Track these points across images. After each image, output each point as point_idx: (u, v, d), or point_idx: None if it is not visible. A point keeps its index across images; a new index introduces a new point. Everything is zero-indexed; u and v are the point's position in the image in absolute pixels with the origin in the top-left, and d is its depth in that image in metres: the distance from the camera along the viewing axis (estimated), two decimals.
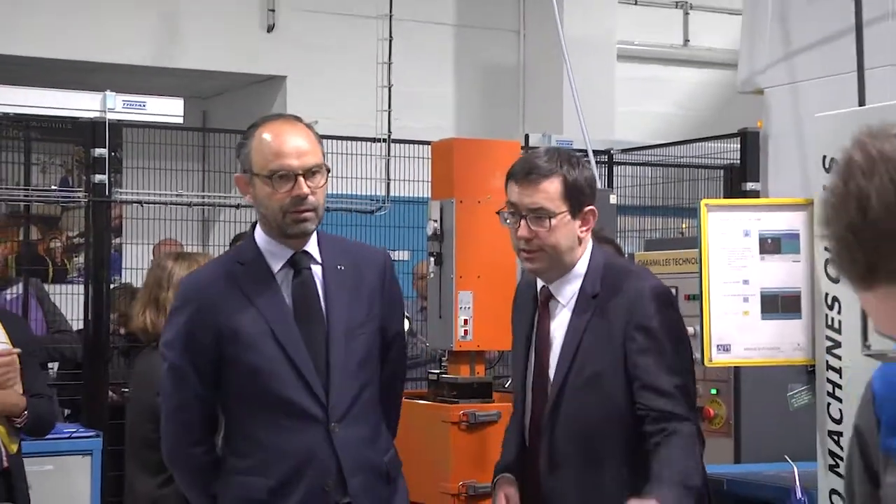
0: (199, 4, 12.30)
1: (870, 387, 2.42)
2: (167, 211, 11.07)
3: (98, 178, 9.87)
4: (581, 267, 4.45)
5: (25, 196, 11.08)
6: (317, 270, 4.12)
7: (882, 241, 1.93)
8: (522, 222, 4.32)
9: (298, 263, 4.09)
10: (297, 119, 4.18)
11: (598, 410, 4.34)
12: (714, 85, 12.64)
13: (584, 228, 4.43)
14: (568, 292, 4.44)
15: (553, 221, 4.31)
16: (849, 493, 2.53)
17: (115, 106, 10.21)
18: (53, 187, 12.38)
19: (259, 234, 4.14)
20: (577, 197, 4.40)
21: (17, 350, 6.53)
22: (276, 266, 4.07)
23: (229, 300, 4.00)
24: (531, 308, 4.58)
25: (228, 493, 4.07)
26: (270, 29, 12.70)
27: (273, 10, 12.64)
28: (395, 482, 4.26)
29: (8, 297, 8.05)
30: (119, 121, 10.30)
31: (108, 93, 10.18)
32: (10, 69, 11.16)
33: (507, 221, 4.41)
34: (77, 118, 10.54)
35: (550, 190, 4.33)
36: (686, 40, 13.82)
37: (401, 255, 10.98)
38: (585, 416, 4.33)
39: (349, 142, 11.27)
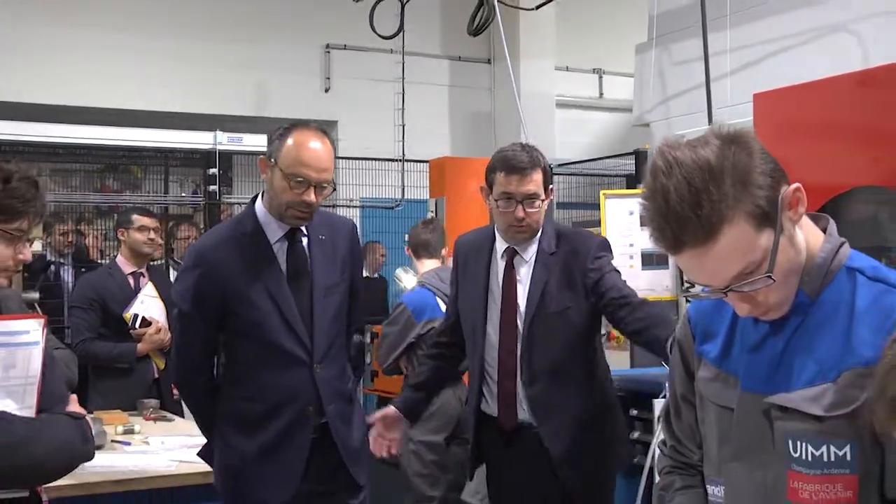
0: (280, 76, 12.22)
1: (687, 312, 2.45)
2: None
3: (211, 188, 10.01)
4: (539, 231, 4.30)
5: (164, 201, 11.20)
6: (304, 241, 3.94)
7: (681, 222, 1.98)
8: (519, 207, 4.14)
9: (293, 237, 3.90)
10: (325, 134, 3.91)
11: (565, 334, 4.21)
12: (619, 122, 12.67)
13: (548, 203, 4.31)
14: (530, 251, 4.28)
15: (539, 203, 4.19)
16: (671, 385, 2.51)
17: (222, 141, 10.19)
18: (183, 195, 12.40)
19: (260, 209, 3.90)
20: (549, 181, 4.29)
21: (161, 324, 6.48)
22: (273, 238, 3.86)
23: (233, 264, 3.81)
24: (484, 263, 4.40)
25: (227, 414, 3.90)
26: (327, 90, 12.57)
27: (329, 78, 12.58)
28: (353, 403, 4.13)
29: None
30: (224, 150, 10.31)
31: (217, 132, 10.14)
32: (154, 117, 11.00)
33: (500, 207, 4.21)
34: (198, 150, 10.54)
35: (538, 179, 4.17)
36: (601, 94, 13.84)
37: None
38: (555, 340, 4.20)
39: (378, 161, 11.46)
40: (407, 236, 6.87)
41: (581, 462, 3.78)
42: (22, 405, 2.78)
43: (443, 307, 5.85)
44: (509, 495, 4.46)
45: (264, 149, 9.75)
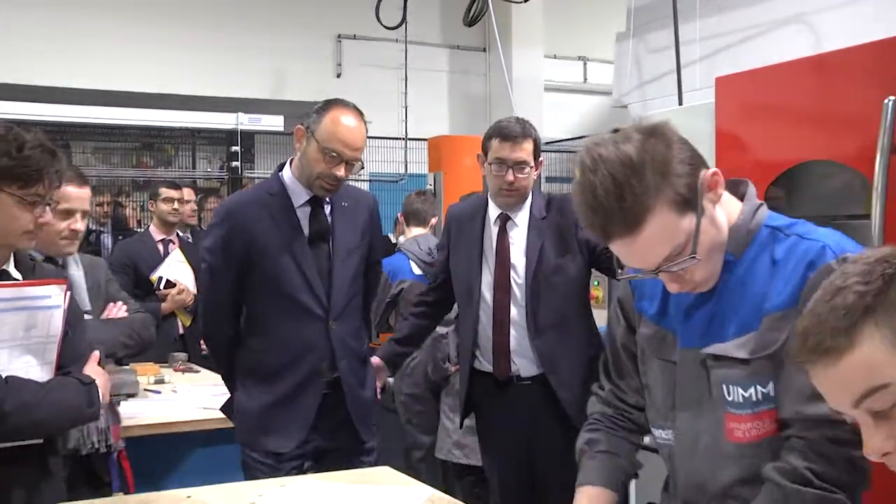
0: (296, 63, 12.21)
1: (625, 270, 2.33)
2: None
3: (234, 164, 9.99)
4: (530, 198, 4.28)
5: (193, 176, 11.21)
6: (326, 207, 3.82)
7: (608, 215, 1.99)
8: (509, 171, 4.13)
9: (314, 202, 3.77)
10: (361, 114, 3.78)
11: (564, 289, 4.20)
12: (600, 104, 12.60)
13: (537, 173, 4.27)
14: (522, 216, 4.26)
15: (528, 171, 4.16)
16: (611, 336, 2.51)
17: (244, 121, 10.19)
18: (209, 170, 12.38)
19: (287, 174, 3.79)
20: (538, 152, 4.24)
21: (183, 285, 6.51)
22: (297, 202, 3.75)
23: (260, 222, 3.71)
24: (478, 228, 4.37)
25: (246, 364, 3.83)
26: (339, 76, 12.56)
27: (340, 65, 12.57)
28: (366, 364, 4.04)
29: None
30: (245, 130, 10.30)
31: (239, 113, 10.14)
32: (183, 100, 10.97)
33: (493, 171, 4.20)
34: (222, 129, 10.53)
35: (528, 148, 4.15)
36: (585, 79, 13.81)
37: None
38: (556, 295, 4.18)
39: (383, 139, 11.38)
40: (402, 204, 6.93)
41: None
42: (42, 361, 2.80)
43: (416, 270, 6.03)
44: (500, 443, 4.45)
45: (282, 128, 9.74)
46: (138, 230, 9.42)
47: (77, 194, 3.71)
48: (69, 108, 9.97)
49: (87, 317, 3.65)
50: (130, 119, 10.59)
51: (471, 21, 8.40)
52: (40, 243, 3.49)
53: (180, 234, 7.24)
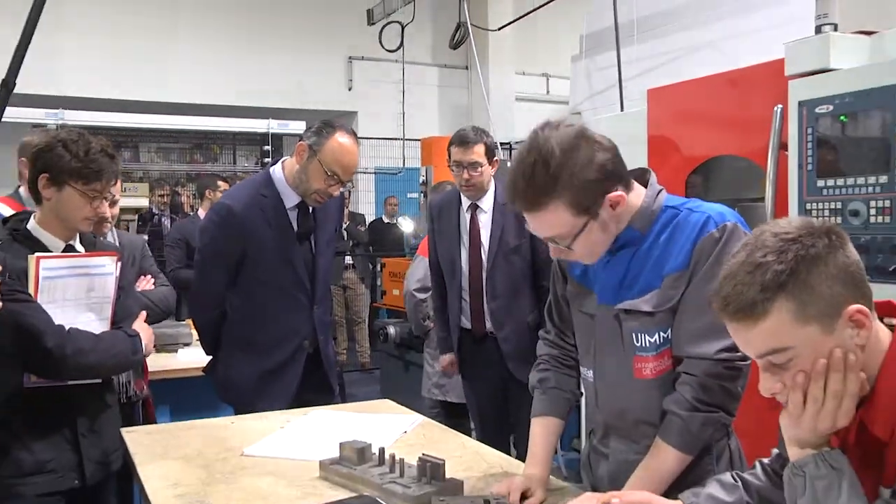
0: (316, 79, 12.28)
1: None
2: None
3: (265, 160, 9.92)
4: (492, 189, 4.26)
5: (234, 170, 11.18)
6: (309, 209, 3.59)
7: (517, 191, 1.99)
8: (465, 170, 4.13)
9: (301, 206, 3.54)
10: (357, 139, 3.55)
11: (518, 264, 4.19)
12: (560, 112, 12.49)
13: (493, 170, 4.23)
14: (487, 204, 4.25)
15: (481, 169, 4.15)
16: (553, 287, 2.45)
17: (274, 126, 10.16)
18: (246, 165, 12.37)
19: (279, 177, 3.53)
20: (491, 153, 4.21)
21: None
22: (288, 204, 3.51)
23: (253, 220, 3.45)
24: (455, 215, 4.37)
25: (238, 342, 3.61)
26: (350, 89, 12.58)
27: (351, 80, 12.61)
28: (327, 329, 3.83)
29: None
30: (275, 133, 10.28)
31: (270, 120, 10.10)
32: (225, 109, 10.97)
33: (454, 171, 4.21)
34: (256, 133, 10.52)
35: (480, 151, 4.14)
36: (548, 91, 13.78)
37: (411, 195, 11.04)
38: (512, 268, 4.19)
39: (385, 140, 11.44)
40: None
41: (527, 358, 3.75)
42: (99, 317, 2.85)
43: None
44: (477, 385, 4.49)
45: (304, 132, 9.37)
46: (190, 213, 9.44)
47: None
48: (138, 117, 9.98)
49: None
50: (184, 125, 10.58)
51: (455, 45, 8.39)
52: None
53: None
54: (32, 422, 2.75)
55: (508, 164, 4.92)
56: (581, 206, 1.98)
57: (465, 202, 4.34)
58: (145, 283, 4.10)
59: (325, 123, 3.48)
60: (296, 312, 3.58)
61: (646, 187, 2.16)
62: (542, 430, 2.36)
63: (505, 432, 4.43)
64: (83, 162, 2.73)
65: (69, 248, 2.86)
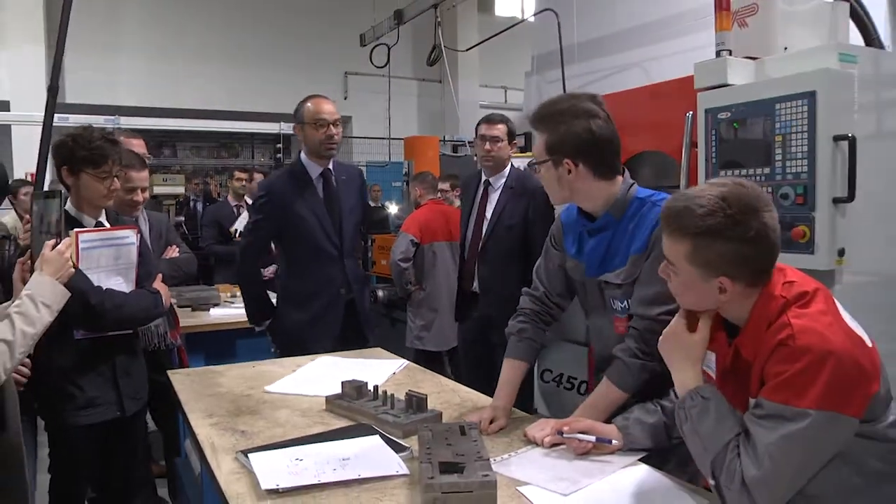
0: (318, 89, 11.97)
1: (559, 215, 2.41)
2: None
3: (278, 156, 9.86)
4: (506, 171, 4.17)
5: (252, 164, 11.07)
6: (333, 178, 3.59)
7: (534, 120, 2.15)
8: (487, 143, 4.08)
9: (326, 175, 3.56)
10: (327, 97, 3.58)
11: (512, 237, 4.07)
12: (515, 117, 12.50)
13: (511, 151, 4.18)
14: (498, 184, 4.17)
15: (501, 144, 4.09)
16: (546, 255, 2.44)
17: (285, 128, 10.09)
18: (262, 160, 12.28)
19: (304, 157, 3.54)
20: (511, 135, 4.16)
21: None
22: (313, 175, 3.53)
23: (289, 193, 3.49)
24: (473, 192, 4.30)
25: (287, 296, 3.63)
26: (346, 98, 12.50)
27: (347, 90, 12.53)
28: (367, 283, 3.82)
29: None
30: (286, 134, 10.20)
31: (281, 123, 10.03)
32: (246, 115, 10.86)
33: (479, 142, 4.14)
34: (270, 133, 10.43)
35: (502, 129, 4.10)
36: (506, 100, 13.80)
37: (395, 184, 10.99)
38: (504, 241, 4.08)
39: (375, 139, 11.35)
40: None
41: (503, 322, 3.60)
42: (126, 280, 2.86)
43: None
44: (465, 337, 4.44)
45: None
46: (219, 199, 9.40)
47: (138, 176, 3.59)
48: (177, 121, 9.94)
49: None
50: (212, 127, 10.56)
51: (431, 62, 8.34)
52: (116, 208, 3.50)
53: (248, 200, 7.23)
54: (82, 367, 2.79)
55: (474, 157, 4.86)
56: (550, 149, 2.11)
57: (481, 178, 4.25)
58: (172, 252, 4.10)
59: (300, 101, 3.55)
60: (329, 265, 3.53)
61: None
62: (511, 371, 2.36)
63: (483, 373, 4.36)
64: (89, 150, 2.74)
65: (99, 224, 2.88)
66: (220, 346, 4.20)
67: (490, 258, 4.12)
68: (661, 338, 1.75)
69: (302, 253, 3.54)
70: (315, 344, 3.40)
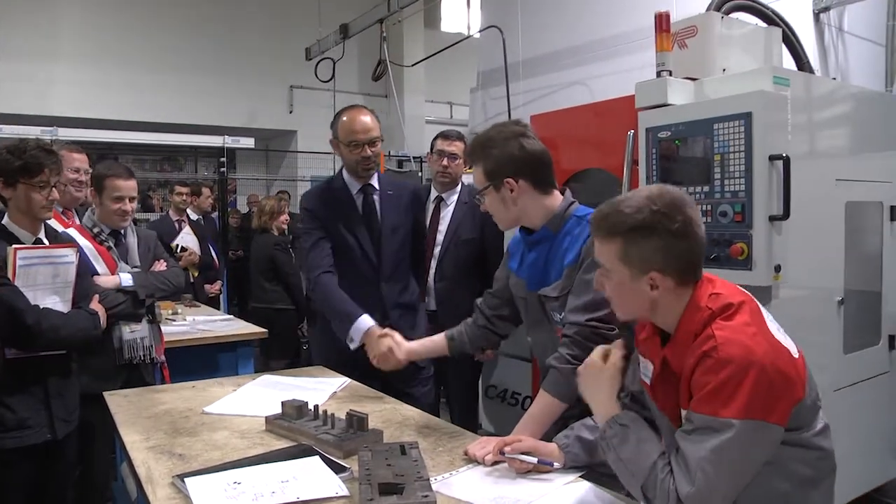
0: (262, 103, 12.13)
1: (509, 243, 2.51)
2: (254, 184, 10.45)
3: (222, 170, 9.61)
4: (457, 188, 4.10)
5: (195, 178, 10.90)
6: (376, 195, 3.31)
7: (471, 152, 2.28)
8: (444, 159, 4.02)
9: (366, 191, 3.27)
10: (367, 109, 3.30)
11: (467, 252, 3.98)
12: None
13: (466, 167, 4.08)
14: (451, 199, 4.09)
15: (458, 161, 4.04)
16: (498, 273, 2.54)
17: (228, 142, 9.95)
18: (206, 174, 12.11)
19: (344, 174, 3.29)
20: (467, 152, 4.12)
21: (192, 249, 6.39)
22: (354, 191, 3.26)
23: (329, 207, 3.24)
24: (423, 206, 4.13)
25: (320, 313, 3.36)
26: (291, 111, 12.41)
27: (292, 104, 12.44)
28: (417, 310, 3.47)
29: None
30: (229, 147, 10.07)
31: (225, 136, 9.89)
32: (188, 127, 10.70)
33: (434, 158, 4.07)
34: (214, 147, 10.28)
35: (458, 145, 4.05)
36: (451, 115, 13.74)
37: None
38: (461, 256, 3.99)
39: (320, 154, 11.25)
40: None
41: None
42: (63, 299, 2.81)
43: None
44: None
45: (253, 146, 9.13)
46: (160, 213, 9.24)
47: (125, 185, 3.53)
48: (118, 133, 9.75)
49: (136, 269, 3.58)
50: (155, 140, 10.33)
51: (377, 77, 8.34)
52: (102, 219, 3.47)
53: (190, 215, 7.09)
54: (12, 387, 2.71)
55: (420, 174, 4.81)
56: (489, 176, 2.22)
57: (433, 195, 4.15)
58: (160, 266, 4.02)
59: (340, 110, 3.31)
60: (363, 287, 3.22)
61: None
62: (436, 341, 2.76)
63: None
64: (24, 160, 2.70)
65: (38, 241, 2.81)
66: (202, 361, 4.22)
67: (447, 274, 4.04)
68: (578, 372, 1.85)
69: (341, 274, 3.24)
70: (343, 370, 3.19)
